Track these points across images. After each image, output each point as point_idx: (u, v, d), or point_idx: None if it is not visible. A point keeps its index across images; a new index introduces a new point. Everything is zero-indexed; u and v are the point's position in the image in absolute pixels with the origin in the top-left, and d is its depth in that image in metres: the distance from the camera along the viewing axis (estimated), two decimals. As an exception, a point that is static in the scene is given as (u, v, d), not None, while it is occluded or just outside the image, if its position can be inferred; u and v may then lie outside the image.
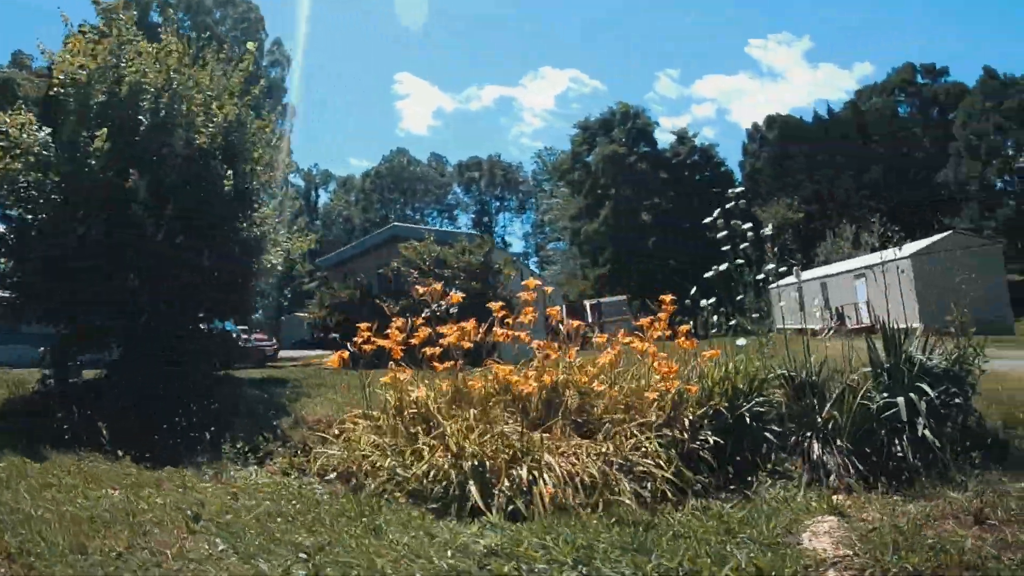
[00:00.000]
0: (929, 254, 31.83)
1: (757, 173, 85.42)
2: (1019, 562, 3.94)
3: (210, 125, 11.08)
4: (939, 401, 6.29)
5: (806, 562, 4.12)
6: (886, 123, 72.38)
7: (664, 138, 77.80)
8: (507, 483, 5.51)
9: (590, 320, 35.21)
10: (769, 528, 4.73)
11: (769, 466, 6.12)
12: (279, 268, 12.37)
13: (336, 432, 7.23)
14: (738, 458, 6.31)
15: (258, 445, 8.00)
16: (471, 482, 5.49)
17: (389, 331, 7.53)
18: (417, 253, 16.61)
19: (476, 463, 5.69)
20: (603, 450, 5.84)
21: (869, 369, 6.99)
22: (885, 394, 6.47)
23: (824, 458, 6.12)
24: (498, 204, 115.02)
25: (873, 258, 36.92)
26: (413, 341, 7.36)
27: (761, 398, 6.69)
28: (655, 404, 6.48)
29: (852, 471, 5.98)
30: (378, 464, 6.16)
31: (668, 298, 8.13)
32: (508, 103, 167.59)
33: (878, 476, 5.89)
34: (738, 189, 9.36)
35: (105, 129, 9.92)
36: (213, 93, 11.67)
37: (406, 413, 6.94)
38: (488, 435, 6.08)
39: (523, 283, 8.38)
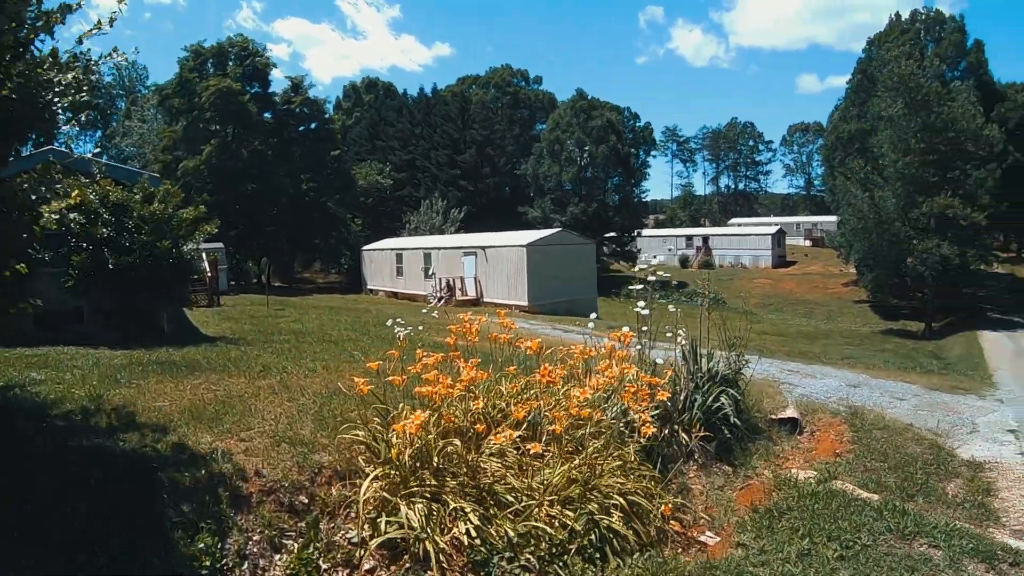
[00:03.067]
0: (541, 245, 35.51)
1: (349, 131, 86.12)
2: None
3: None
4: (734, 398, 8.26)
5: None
6: (484, 121, 77.76)
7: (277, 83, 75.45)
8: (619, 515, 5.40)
9: (210, 275, 32.53)
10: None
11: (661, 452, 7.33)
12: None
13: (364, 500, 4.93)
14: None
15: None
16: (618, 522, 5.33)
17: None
18: (89, 195, 12.74)
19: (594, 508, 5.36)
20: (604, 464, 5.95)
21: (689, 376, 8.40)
22: (710, 397, 8.09)
23: (690, 444, 7.50)
24: (68, 116, 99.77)
25: (489, 239, 39.85)
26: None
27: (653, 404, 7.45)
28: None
29: (707, 450, 7.62)
30: (498, 532, 4.92)
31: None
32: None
33: (719, 448, 7.77)
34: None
35: None
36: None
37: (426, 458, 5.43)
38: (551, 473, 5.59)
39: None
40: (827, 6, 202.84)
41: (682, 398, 7.99)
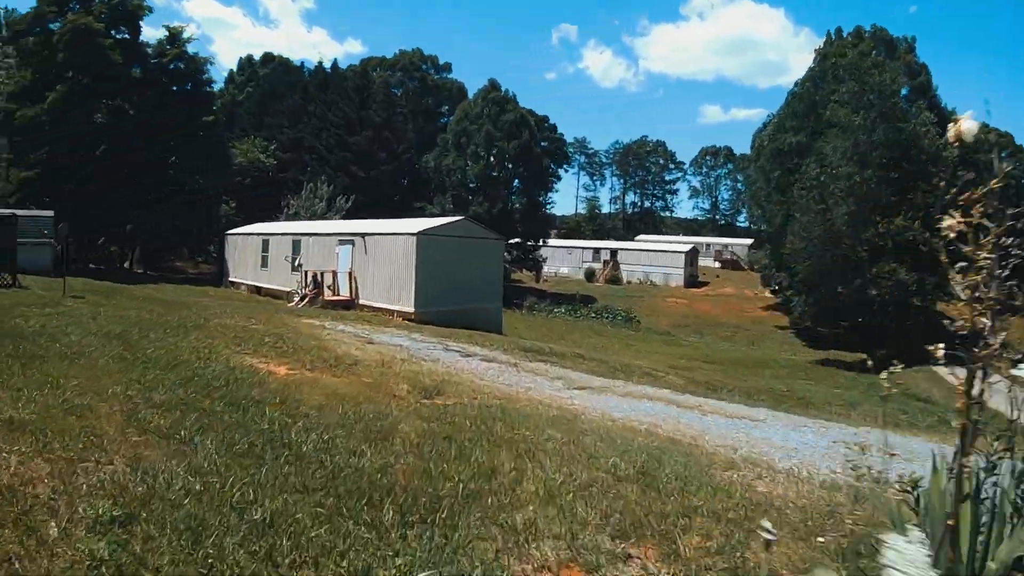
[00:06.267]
0: (435, 235, 27.34)
1: (238, 106, 76.77)
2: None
3: None
4: None
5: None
6: (385, 102, 69.10)
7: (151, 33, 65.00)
8: None
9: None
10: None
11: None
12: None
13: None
14: None
15: None
16: None
17: None
18: None
19: None
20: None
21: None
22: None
23: None
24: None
25: (371, 226, 31.57)
26: None
27: None
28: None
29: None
30: None
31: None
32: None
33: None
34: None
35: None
36: None
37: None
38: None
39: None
40: (735, 41, 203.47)
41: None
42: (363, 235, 28.71)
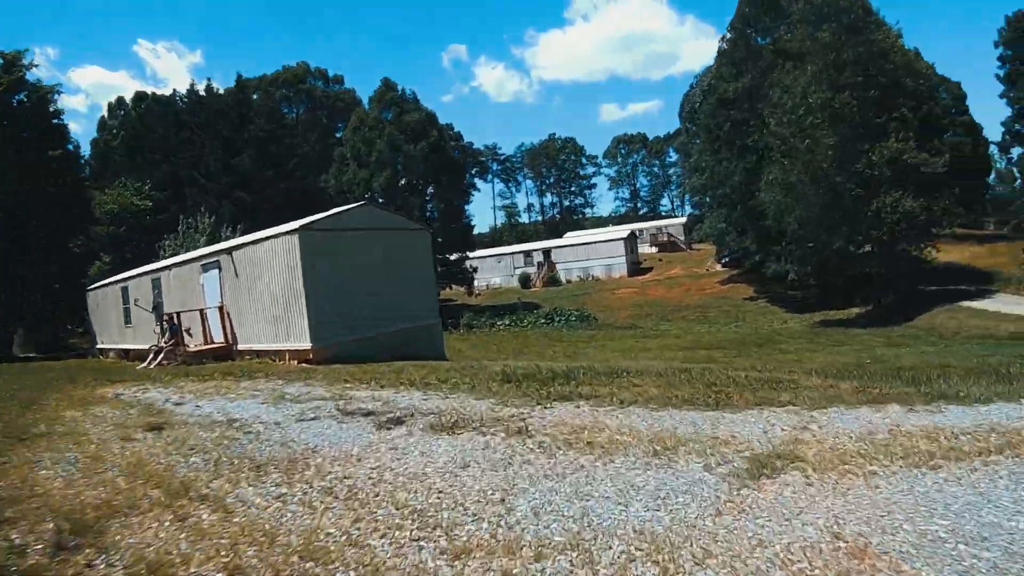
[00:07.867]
0: (328, 231, 18.72)
1: (112, 151, 67.49)
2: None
3: None
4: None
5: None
6: (269, 115, 60.22)
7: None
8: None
9: None
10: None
11: None
12: None
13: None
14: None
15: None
16: None
17: None
18: None
19: None
20: None
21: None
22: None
23: None
24: None
25: (242, 239, 22.91)
26: None
27: None
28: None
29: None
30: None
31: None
32: None
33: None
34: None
35: None
36: None
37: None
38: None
39: None
40: (623, 39, 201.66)
41: None
42: (229, 251, 20.01)
